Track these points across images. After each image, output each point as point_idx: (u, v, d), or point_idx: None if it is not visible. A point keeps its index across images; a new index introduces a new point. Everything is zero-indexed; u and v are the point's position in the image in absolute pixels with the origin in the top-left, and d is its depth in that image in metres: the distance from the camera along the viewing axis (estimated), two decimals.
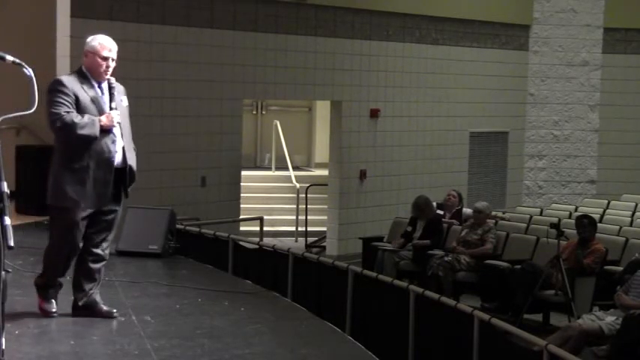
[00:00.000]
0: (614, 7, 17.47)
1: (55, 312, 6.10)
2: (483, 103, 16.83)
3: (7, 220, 3.81)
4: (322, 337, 6.32)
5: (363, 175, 14.79)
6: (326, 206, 14.93)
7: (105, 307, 6.20)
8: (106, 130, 5.91)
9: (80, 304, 6.15)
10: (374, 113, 14.95)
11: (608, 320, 8.32)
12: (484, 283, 10.90)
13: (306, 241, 15.30)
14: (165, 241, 9.12)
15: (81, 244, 6.04)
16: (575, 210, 14.34)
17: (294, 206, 15.90)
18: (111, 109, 5.99)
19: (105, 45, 5.98)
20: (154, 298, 7.11)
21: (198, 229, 9.95)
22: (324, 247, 14.85)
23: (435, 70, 15.93)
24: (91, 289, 6.15)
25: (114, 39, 6.10)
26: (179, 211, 10.45)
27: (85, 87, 5.94)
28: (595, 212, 13.10)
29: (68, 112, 5.80)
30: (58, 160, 5.95)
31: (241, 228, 13.73)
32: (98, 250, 6.12)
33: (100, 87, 6.02)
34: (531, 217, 13.31)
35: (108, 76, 6.02)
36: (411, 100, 15.57)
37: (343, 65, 14.46)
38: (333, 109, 14.75)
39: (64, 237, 5.96)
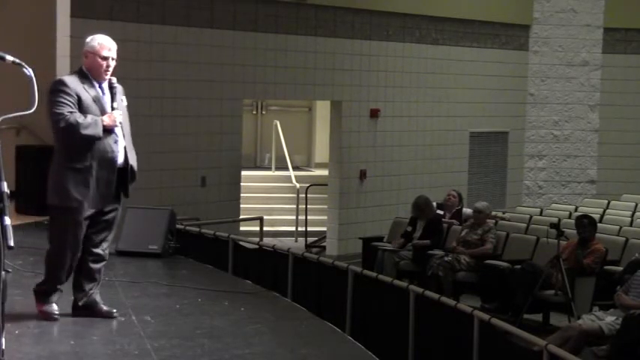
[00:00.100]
0: (614, 7, 17.47)
1: (57, 314, 6.06)
2: (483, 103, 16.83)
3: (7, 220, 3.81)
4: (322, 337, 6.32)
5: (363, 175, 14.79)
6: (326, 206, 14.93)
7: (105, 307, 6.20)
8: (108, 130, 5.91)
9: (80, 304, 6.15)
10: (374, 113, 14.95)
11: (608, 320, 8.32)
12: (484, 283, 10.90)
13: (306, 241, 15.30)
14: (165, 241, 9.12)
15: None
16: (575, 210, 14.34)
17: (294, 206, 15.90)
18: (113, 109, 6.00)
19: (104, 45, 5.98)
20: (154, 298, 7.11)
21: (198, 229, 9.95)
22: (324, 247, 14.85)
23: (435, 70, 15.93)
24: (91, 289, 6.15)
25: (114, 39, 6.10)
26: (179, 211, 10.45)
27: (87, 87, 5.94)
28: (595, 212, 13.10)
29: (71, 112, 5.80)
30: (59, 160, 5.94)
31: (241, 228, 13.73)
32: (98, 250, 6.12)
33: (100, 87, 6.02)
34: (531, 217, 13.31)
35: (108, 76, 6.02)
36: (411, 100, 15.57)
37: (343, 65, 14.46)
38: (333, 109, 14.75)
39: (66, 237, 5.93)
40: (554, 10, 17.55)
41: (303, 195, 15.81)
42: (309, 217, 15.59)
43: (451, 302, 7.05)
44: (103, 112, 5.94)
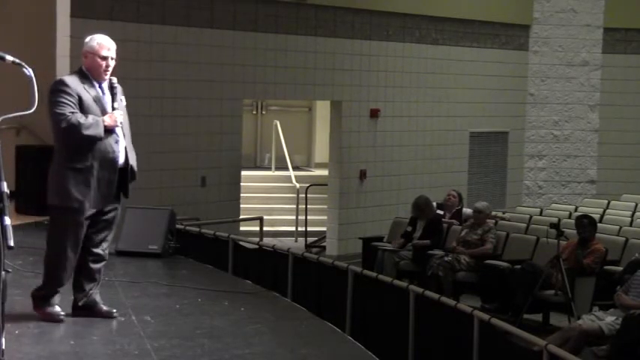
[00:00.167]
0: (614, 7, 17.47)
1: (62, 315, 6.02)
2: (483, 103, 16.83)
3: (7, 220, 3.80)
4: (322, 337, 6.32)
5: (363, 175, 14.79)
6: (326, 206, 14.93)
7: (105, 307, 6.19)
8: (109, 131, 5.91)
9: (80, 304, 6.14)
10: (374, 113, 14.95)
11: (608, 320, 8.32)
12: (484, 283, 10.90)
13: (306, 241, 15.30)
14: (165, 241, 9.12)
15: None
16: (575, 210, 14.34)
17: (294, 206, 15.90)
18: (113, 109, 6.00)
19: (103, 44, 5.97)
20: (154, 298, 7.11)
21: (198, 229, 9.95)
22: (324, 247, 14.85)
23: (435, 70, 15.93)
24: (91, 289, 6.14)
25: (114, 39, 6.09)
26: (179, 211, 10.45)
27: (87, 87, 5.93)
28: (595, 212, 13.10)
29: (73, 112, 5.79)
30: (59, 160, 5.92)
31: (241, 228, 13.73)
32: (98, 250, 6.11)
33: (100, 87, 6.01)
34: (531, 217, 13.31)
35: (108, 76, 6.02)
36: (411, 100, 15.57)
37: (343, 65, 14.46)
38: (333, 109, 14.75)
39: (67, 238, 5.92)
40: (554, 10, 17.55)
41: (303, 195, 15.81)
42: (309, 217, 15.59)
43: (451, 302, 7.05)
44: (103, 112, 5.93)
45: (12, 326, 5.61)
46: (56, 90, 5.83)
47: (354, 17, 14.58)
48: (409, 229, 12.11)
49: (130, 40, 11.45)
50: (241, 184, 13.45)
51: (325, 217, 14.94)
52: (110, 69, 6.00)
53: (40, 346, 5.51)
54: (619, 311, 8.43)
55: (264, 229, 13.38)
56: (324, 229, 15.02)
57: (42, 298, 6.04)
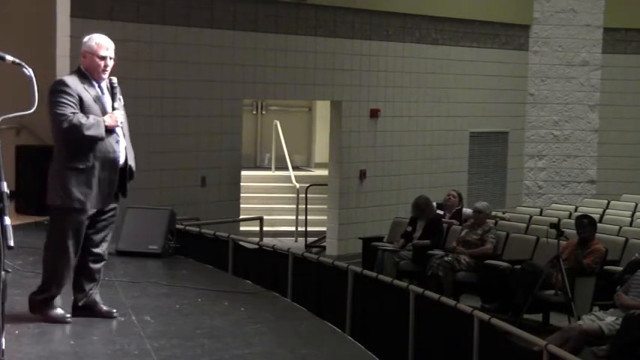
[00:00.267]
0: (614, 7, 17.47)
1: (69, 317, 6.00)
2: (483, 103, 16.83)
3: (7, 220, 3.80)
4: (322, 337, 6.32)
5: (363, 175, 14.79)
6: (326, 206, 14.93)
7: (105, 307, 6.19)
8: (109, 130, 5.90)
9: (80, 304, 6.13)
10: (374, 113, 14.95)
11: (608, 320, 8.32)
12: (484, 283, 10.90)
13: (306, 241, 15.30)
14: (165, 241, 9.12)
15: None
16: (575, 210, 14.34)
17: (294, 206, 15.90)
18: (113, 108, 6.00)
19: (102, 44, 5.97)
20: (154, 298, 7.11)
21: (198, 229, 9.95)
22: (324, 247, 14.85)
23: (435, 70, 15.93)
24: (91, 289, 6.14)
25: (114, 39, 6.08)
26: (179, 211, 10.44)
27: (87, 87, 5.92)
28: (595, 212, 13.10)
29: (74, 112, 5.78)
30: (60, 160, 5.91)
31: (241, 228, 13.73)
32: (98, 250, 6.11)
33: (99, 87, 6.01)
34: (531, 217, 13.31)
35: (107, 76, 6.01)
36: (411, 100, 15.57)
37: (343, 65, 14.46)
38: (333, 109, 14.75)
39: (67, 238, 5.90)
40: (554, 10, 17.55)
41: (303, 195, 15.81)
42: (309, 217, 15.59)
43: (451, 302, 7.05)
44: (103, 112, 5.93)
45: (12, 326, 5.61)
46: (56, 90, 5.82)
47: (354, 17, 14.58)
48: (409, 229, 12.11)
49: (130, 40, 11.45)
50: (241, 184, 13.45)
51: (325, 217, 14.93)
52: (109, 69, 6.00)
53: (40, 346, 5.51)
54: (619, 311, 8.43)
55: (264, 229, 13.38)
56: (324, 229, 15.02)
57: (43, 301, 6.00)
